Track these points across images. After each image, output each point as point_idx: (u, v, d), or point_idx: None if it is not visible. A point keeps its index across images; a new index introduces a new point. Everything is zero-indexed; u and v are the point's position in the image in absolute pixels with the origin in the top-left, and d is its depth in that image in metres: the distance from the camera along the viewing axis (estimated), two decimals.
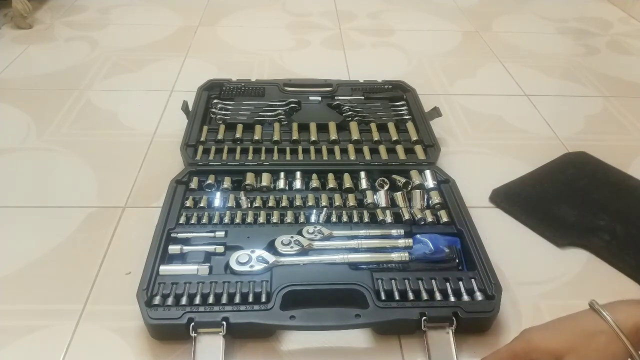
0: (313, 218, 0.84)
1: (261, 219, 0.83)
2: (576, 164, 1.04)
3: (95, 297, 0.75)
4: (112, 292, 0.75)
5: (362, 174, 0.93)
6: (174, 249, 0.76)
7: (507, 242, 0.86)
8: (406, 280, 0.72)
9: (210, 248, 0.77)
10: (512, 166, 1.03)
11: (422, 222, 0.84)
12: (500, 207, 0.94)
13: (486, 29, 1.67)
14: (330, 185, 0.91)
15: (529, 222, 0.90)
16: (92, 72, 1.33)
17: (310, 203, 0.87)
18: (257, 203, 0.86)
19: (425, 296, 0.70)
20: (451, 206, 0.86)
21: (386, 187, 0.91)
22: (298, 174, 0.93)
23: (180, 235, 0.79)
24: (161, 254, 0.75)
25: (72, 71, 1.33)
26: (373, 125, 1.06)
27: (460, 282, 0.72)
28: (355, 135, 1.02)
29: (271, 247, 0.77)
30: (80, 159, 1.02)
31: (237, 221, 0.82)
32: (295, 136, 1.02)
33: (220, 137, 1.01)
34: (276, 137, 1.01)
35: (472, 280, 0.73)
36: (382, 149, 1.00)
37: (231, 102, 1.12)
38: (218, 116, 1.07)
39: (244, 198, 0.87)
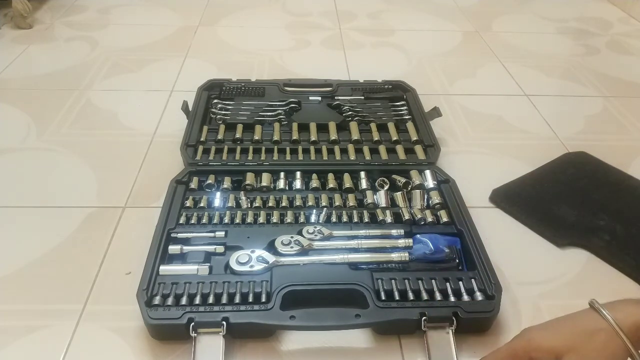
0: (313, 218, 0.84)
1: (261, 219, 0.83)
2: (576, 164, 1.04)
3: (95, 297, 0.75)
4: (112, 292, 0.75)
5: (362, 174, 0.93)
6: (174, 249, 0.76)
7: (507, 242, 0.86)
8: (406, 280, 0.72)
9: (210, 248, 0.77)
10: (512, 166, 1.03)
11: (422, 222, 0.84)
12: (500, 207, 0.94)
13: (486, 29, 1.67)
14: (330, 185, 0.91)
15: (529, 222, 0.90)
16: (92, 72, 1.33)
17: (310, 203, 0.87)
18: (257, 203, 0.86)
19: (425, 296, 0.71)
20: (451, 206, 0.86)
21: (386, 187, 0.91)
22: (298, 174, 0.93)
23: (180, 235, 0.79)
24: (161, 254, 0.75)
25: (72, 71, 1.33)
26: (373, 125, 1.06)
27: (460, 282, 0.72)
28: (355, 135, 1.02)
29: (271, 247, 0.77)
30: (80, 159, 1.02)
31: (237, 221, 0.82)
32: (295, 136, 1.02)
33: (220, 137, 1.01)
34: (276, 137, 1.01)
35: (472, 280, 0.73)
36: (382, 149, 1.00)
37: (231, 102, 1.12)
38: (218, 116, 1.07)
39: (244, 198, 0.87)
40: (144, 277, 0.70)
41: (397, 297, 0.70)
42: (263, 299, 0.69)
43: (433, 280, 0.72)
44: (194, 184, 0.89)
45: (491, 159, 1.07)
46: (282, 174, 0.93)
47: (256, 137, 1.01)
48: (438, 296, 0.71)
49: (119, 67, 1.36)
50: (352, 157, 0.98)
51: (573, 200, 0.94)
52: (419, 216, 0.84)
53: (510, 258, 0.83)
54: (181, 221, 0.82)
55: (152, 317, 0.66)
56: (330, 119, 1.06)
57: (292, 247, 0.76)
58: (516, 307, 0.76)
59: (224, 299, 0.69)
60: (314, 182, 0.91)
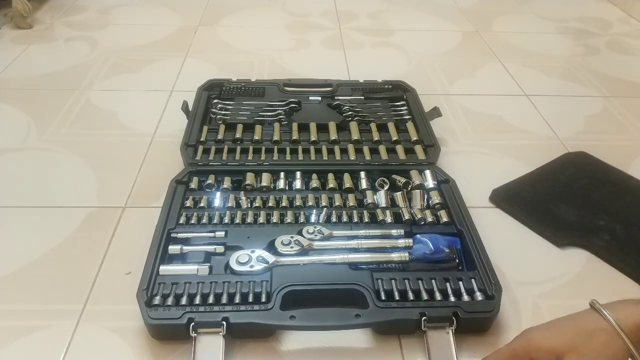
0: (313, 218, 0.84)
1: (261, 219, 0.83)
2: (576, 164, 1.04)
3: (95, 297, 0.75)
4: (112, 292, 0.75)
5: (362, 174, 0.93)
6: (174, 249, 0.76)
7: (507, 242, 0.86)
8: (406, 280, 0.72)
9: (210, 248, 0.77)
10: (512, 166, 1.03)
11: (422, 222, 0.84)
12: (500, 207, 0.94)
13: (486, 29, 1.67)
14: (330, 185, 0.91)
15: (528, 222, 0.90)
16: (92, 72, 1.33)
17: (310, 203, 0.87)
18: (257, 203, 0.86)
19: (425, 296, 0.70)
20: (451, 206, 0.86)
21: (386, 187, 0.91)
22: (298, 174, 0.93)
23: (180, 235, 0.79)
24: (161, 254, 0.75)
25: (72, 71, 1.33)
26: (373, 125, 1.06)
27: (460, 282, 0.72)
28: (355, 135, 1.02)
29: (271, 247, 0.77)
30: (80, 159, 1.02)
31: (237, 221, 0.82)
32: (295, 136, 1.02)
33: (220, 137, 1.01)
34: (276, 137, 1.01)
35: (472, 280, 0.73)
36: (382, 149, 1.00)
37: (231, 102, 1.12)
38: (218, 116, 1.07)
39: (244, 198, 0.87)
40: (144, 277, 0.70)
41: (397, 297, 0.70)
42: (263, 299, 0.69)
43: (433, 280, 0.72)
44: (194, 184, 0.89)
45: (491, 159, 1.07)
46: (282, 174, 0.93)
47: (256, 137, 1.01)
48: (438, 296, 0.71)
49: (119, 67, 1.36)
50: (352, 157, 0.98)
51: (573, 200, 0.94)
52: (419, 216, 0.84)
53: (510, 258, 0.83)
54: (181, 221, 0.82)
55: (152, 317, 0.66)
56: (330, 119, 1.06)
57: (292, 247, 0.76)
58: (516, 307, 0.76)
59: (224, 299, 0.69)
60: (314, 182, 0.91)
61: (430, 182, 0.91)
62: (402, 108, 1.13)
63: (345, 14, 1.74)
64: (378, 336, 0.71)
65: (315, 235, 0.79)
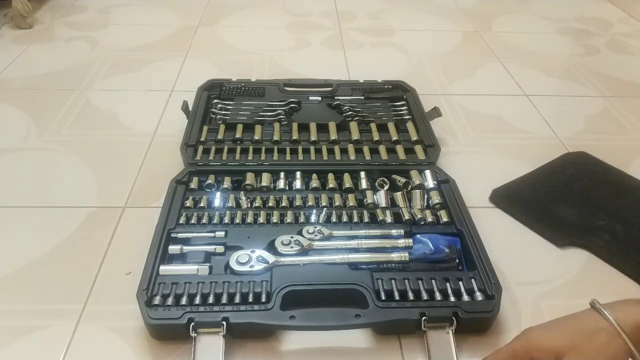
0: (313, 218, 0.84)
1: (261, 219, 0.83)
2: (576, 164, 1.04)
3: (95, 297, 0.75)
4: (112, 292, 0.75)
5: (362, 174, 0.93)
6: (174, 249, 0.76)
7: (507, 242, 0.86)
8: (406, 280, 0.72)
9: (210, 248, 0.77)
10: (512, 166, 1.03)
11: (422, 222, 0.84)
12: (500, 207, 0.94)
13: (486, 29, 1.67)
14: (330, 185, 0.91)
15: (528, 222, 0.90)
16: (92, 72, 1.33)
17: (310, 203, 0.87)
18: (257, 203, 0.86)
19: (425, 296, 0.70)
20: (451, 206, 0.86)
21: (386, 187, 0.91)
22: (298, 174, 0.93)
23: (180, 235, 0.79)
24: (161, 254, 0.75)
25: (72, 71, 1.33)
26: (373, 125, 1.06)
27: (460, 282, 0.72)
28: (355, 135, 1.02)
29: (271, 247, 0.77)
30: (80, 159, 1.02)
31: (237, 221, 0.82)
32: (295, 136, 1.02)
33: (220, 137, 1.01)
34: (276, 137, 1.01)
35: (472, 280, 0.73)
36: (382, 149, 1.00)
37: (231, 102, 1.12)
38: (218, 116, 1.07)
39: (244, 198, 0.87)
40: (144, 277, 0.70)
41: (397, 297, 0.70)
42: (263, 299, 0.69)
43: (433, 280, 0.72)
44: (194, 184, 0.89)
45: (491, 159, 1.07)
46: (282, 174, 0.93)
47: (256, 137, 1.01)
48: (438, 296, 0.71)
49: (119, 67, 1.36)
50: (352, 157, 0.98)
51: (573, 200, 0.94)
52: (419, 216, 0.84)
53: (510, 258, 0.83)
54: (181, 221, 0.81)
55: (152, 317, 0.66)
56: (330, 119, 1.06)
57: (292, 247, 0.76)
58: (516, 307, 0.76)
59: (224, 299, 0.69)
60: (314, 182, 0.91)
61: (430, 182, 0.91)
62: (402, 108, 1.13)
63: (345, 14, 1.74)
64: (378, 336, 0.71)
65: (315, 235, 0.79)
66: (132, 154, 1.03)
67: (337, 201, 0.87)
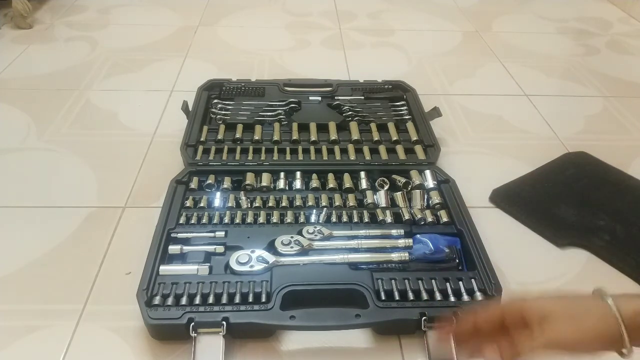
0: (313, 218, 0.84)
1: (261, 219, 0.83)
2: (576, 164, 1.04)
3: (95, 297, 0.75)
4: (112, 292, 0.75)
5: (362, 174, 0.93)
6: (174, 249, 0.76)
7: (507, 242, 0.86)
8: (406, 280, 0.72)
9: (210, 248, 0.77)
10: (512, 166, 1.03)
11: (422, 222, 0.84)
12: (500, 207, 0.94)
13: (486, 29, 1.67)
14: (330, 185, 0.91)
15: (529, 222, 0.90)
16: (92, 72, 1.33)
17: (310, 203, 0.87)
18: (257, 203, 0.86)
19: (425, 296, 0.71)
20: (451, 206, 0.86)
21: (386, 187, 0.91)
22: (298, 174, 0.93)
23: (180, 235, 0.79)
24: (161, 254, 0.75)
25: (72, 71, 1.33)
26: (373, 125, 1.06)
27: (460, 282, 0.72)
28: (355, 135, 1.02)
29: (271, 247, 0.77)
30: (80, 159, 1.02)
31: (237, 221, 0.82)
32: (295, 136, 1.02)
33: (220, 137, 1.01)
34: (276, 137, 1.01)
35: (472, 280, 0.73)
36: (382, 149, 1.00)
37: (231, 102, 1.12)
38: (218, 116, 1.07)
39: (244, 198, 0.87)
40: (144, 277, 0.70)
41: (397, 297, 0.70)
42: (263, 299, 0.69)
43: (433, 280, 0.72)
44: (194, 184, 0.89)
45: (491, 159, 1.07)
46: (282, 174, 0.93)
47: (256, 137, 1.01)
48: (438, 296, 0.71)
49: (119, 67, 1.36)
50: (352, 157, 0.98)
51: (573, 200, 0.94)
52: (419, 216, 0.84)
53: (510, 258, 0.83)
54: (181, 221, 0.82)
55: (152, 317, 0.66)
56: (330, 119, 1.06)
57: (292, 247, 0.76)
58: None
59: (224, 299, 0.69)
60: (314, 182, 0.91)
61: (430, 182, 0.91)
62: (402, 108, 1.12)
63: (345, 14, 1.74)
64: (378, 336, 0.71)
65: (315, 235, 0.79)
66: (132, 154, 1.03)
67: (337, 201, 0.87)
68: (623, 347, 0.47)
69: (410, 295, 0.70)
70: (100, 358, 0.67)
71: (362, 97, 1.16)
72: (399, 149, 1.00)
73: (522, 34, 1.65)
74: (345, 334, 0.71)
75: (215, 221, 0.82)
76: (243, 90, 1.16)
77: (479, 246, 0.77)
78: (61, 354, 0.67)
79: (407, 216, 0.84)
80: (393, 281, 0.72)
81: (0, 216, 0.88)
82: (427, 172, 0.93)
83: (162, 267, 0.73)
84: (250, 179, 0.90)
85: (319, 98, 1.14)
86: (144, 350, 0.68)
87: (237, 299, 0.69)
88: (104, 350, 0.68)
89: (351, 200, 0.87)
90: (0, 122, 1.13)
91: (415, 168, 0.95)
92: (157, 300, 0.68)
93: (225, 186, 0.89)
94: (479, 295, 0.71)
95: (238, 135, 1.01)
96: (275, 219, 0.83)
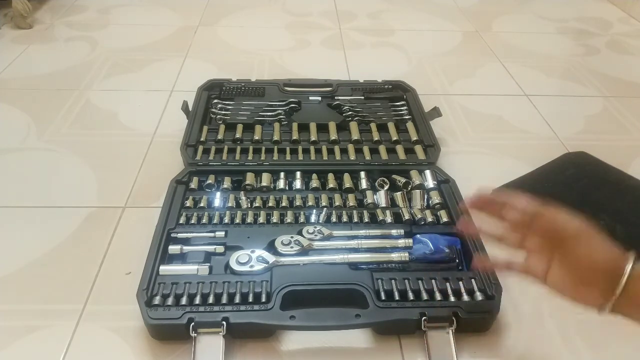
0: (313, 218, 0.84)
1: (261, 219, 0.83)
2: (576, 164, 1.04)
3: (95, 297, 0.75)
4: (112, 292, 0.75)
5: (362, 174, 0.93)
6: (174, 249, 0.76)
7: None
8: (406, 280, 0.72)
9: (210, 248, 0.77)
10: (512, 166, 1.03)
11: (422, 222, 0.84)
12: None
13: (486, 29, 1.67)
14: (330, 185, 0.91)
15: None
16: (92, 72, 1.33)
17: (310, 203, 0.87)
18: (257, 203, 0.86)
19: (425, 296, 0.71)
20: (451, 206, 0.86)
21: (386, 187, 0.91)
22: (298, 174, 0.93)
23: (180, 235, 0.79)
24: (161, 254, 0.75)
25: (72, 71, 1.33)
26: (373, 125, 1.06)
27: (460, 282, 0.72)
28: (355, 135, 1.02)
29: (271, 247, 0.77)
30: (80, 159, 1.02)
31: (237, 221, 0.82)
32: (295, 136, 1.02)
33: (220, 137, 1.01)
34: (276, 137, 1.01)
35: (472, 280, 0.73)
36: (382, 149, 1.00)
37: (231, 102, 1.12)
38: (218, 116, 1.07)
39: (244, 198, 0.87)
40: (144, 277, 0.70)
41: (397, 297, 0.70)
42: (263, 299, 0.69)
43: (433, 280, 0.72)
44: (194, 184, 0.89)
45: (491, 159, 1.07)
46: (282, 174, 0.93)
47: (256, 137, 1.01)
48: (438, 296, 0.71)
49: (119, 67, 1.36)
50: (352, 157, 0.98)
51: (573, 201, 0.93)
52: (419, 216, 0.84)
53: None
54: (181, 221, 0.82)
55: (152, 317, 0.66)
56: (330, 119, 1.06)
57: (292, 247, 0.76)
58: (516, 307, 0.75)
59: (224, 299, 0.69)
60: (314, 182, 0.91)
61: (430, 182, 0.91)
62: (402, 108, 1.12)
63: (345, 14, 1.74)
64: (378, 336, 0.71)
65: (315, 235, 0.79)
66: (132, 154, 1.03)
67: (337, 201, 0.87)
68: (612, 295, 0.47)
69: (410, 295, 0.70)
70: (100, 358, 0.67)
71: (362, 97, 1.16)
72: (399, 149, 1.00)
73: (522, 34, 1.65)
74: (345, 334, 0.70)
75: (215, 221, 0.82)
76: (243, 90, 1.16)
77: (479, 246, 0.77)
78: (61, 354, 0.67)
79: (407, 216, 0.84)
80: (393, 281, 0.72)
81: (0, 216, 0.88)
82: (427, 172, 0.93)
83: (162, 267, 0.73)
84: (250, 179, 0.90)
85: (319, 98, 1.14)
86: (144, 350, 0.68)
87: (237, 299, 0.69)
88: (104, 350, 0.68)
89: (351, 200, 0.87)
90: (0, 122, 1.13)
91: (415, 168, 0.95)
92: (157, 300, 0.68)
93: (225, 186, 0.89)
94: (479, 295, 0.71)
95: (238, 135, 1.01)
96: (275, 219, 0.83)
